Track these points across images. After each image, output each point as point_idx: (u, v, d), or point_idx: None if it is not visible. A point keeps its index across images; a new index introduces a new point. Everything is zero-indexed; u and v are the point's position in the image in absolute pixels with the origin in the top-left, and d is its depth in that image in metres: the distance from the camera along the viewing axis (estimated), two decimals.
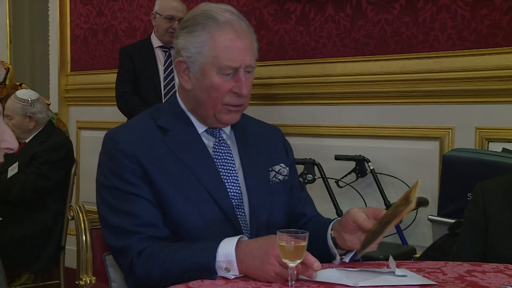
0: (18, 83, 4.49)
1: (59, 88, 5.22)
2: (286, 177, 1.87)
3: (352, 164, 3.60)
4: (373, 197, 3.57)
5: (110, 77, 4.78)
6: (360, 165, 3.57)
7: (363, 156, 3.57)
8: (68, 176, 3.61)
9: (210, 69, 1.69)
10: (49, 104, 3.89)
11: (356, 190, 3.58)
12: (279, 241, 1.41)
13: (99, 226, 1.77)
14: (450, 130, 3.42)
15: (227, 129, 1.83)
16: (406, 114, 3.56)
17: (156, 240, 1.63)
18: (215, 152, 1.76)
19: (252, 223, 1.74)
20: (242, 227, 1.72)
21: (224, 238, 1.57)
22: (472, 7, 3.33)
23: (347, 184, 3.58)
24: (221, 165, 1.75)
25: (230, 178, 1.75)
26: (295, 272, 1.41)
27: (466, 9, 3.35)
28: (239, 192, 1.75)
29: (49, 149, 3.52)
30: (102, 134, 5.35)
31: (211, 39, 1.68)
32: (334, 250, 1.68)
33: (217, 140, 1.79)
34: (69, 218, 1.85)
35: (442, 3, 3.42)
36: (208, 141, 1.78)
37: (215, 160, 1.75)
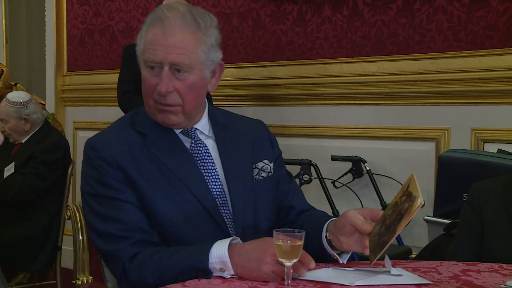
0: (13, 83, 4.48)
1: (56, 88, 5.21)
2: (271, 174, 1.85)
3: (348, 165, 3.60)
4: (370, 198, 3.58)
5: (107, 78, 4.79)
6: (357, 166, 3.57)
7: (360, 157, 3.57)
8: (65, 177, 3.61)
9: (142, 62, 1.73)
10: (44, 104, 3.88)
11: (353, 191, 3.59)
12: (276, 240, 1.42)
13: (89, 234, 1.77)
14: (446, 131, 3.42)
15: (205, 129, 1.81)
16: (403, 115, 3.56)
17: (145, 244, 1.64)
18: (192, 152, 1.76)
19: (236, 222, 1.73)
20: (228, 226, 1.72)
21: (216, 240, 1.57)
22: (468, 8, 3.34)
23: (344, 185, 3.58)
24: (201, 166, 1.75)
25: (212, 177, 1.75)
26: (291, 271, 1.42)
27: (462, 11, 3.36)
28: (222, 191, 1.75)
29: (46, 150, 3.52)
30: None
31: (145, 32, 1.71)
32: (331, 251, 1.68)
33: (193, 141, 1.78)
34: (66, 218, 1.86)
35: (439, 4, 3.42)
36: (185, 142, 1.78)
37: (195, 160, 1.75)
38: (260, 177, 1.83)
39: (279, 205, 1.87)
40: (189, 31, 1.69)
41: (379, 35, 3.62)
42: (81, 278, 1.77)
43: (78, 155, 5.05)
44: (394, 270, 1.58)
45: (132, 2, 4.75)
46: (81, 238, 1.81)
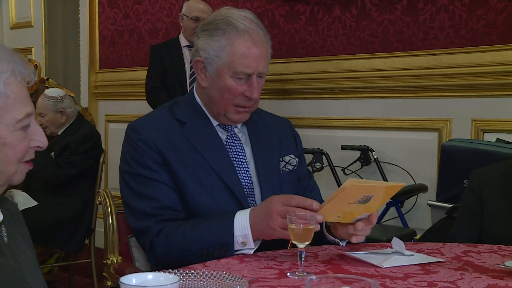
0: (45, 78, 4.51)
1: (89, 84, 5.24)
2: (295, 167, 1.85)
3: (357, 154, 3.58)
4: None
5: (135, 74, 4.80)
6: (365, 154, 3.55)
7: (368, 146, 3.55)
8: (97, 165, 3.63)
9: (226, 72, 1.68)
10: (73, 97, 3.91)
11: (361, 178, 3.56)
12: (289, 224, 1.40)
13: (124, 211, 1.78)
14: (448, 121, 3.39)
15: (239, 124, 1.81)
16: (408, 107, 3.53)
17: (172, 221, 1.63)
18: (227, 145, 1.76)
19: None
20: None
21: (237, 212, 1.58)
22: (469, 7, 3.29)
23: (353, 172, 3.56)
24: (233, 157, 1.75)
25: (242, 169, 1.74)
26: (304, 252, 1.40)
27: (463, 9, 3.31)
28: (250, 182, 1.75)
29: (79, 140, 3.54)
30: None
31: (229, 45, 1.67)
32: (331, 237, 1.66)
33: (229, 134, 1.78)
34: (97, 203, 1.86)
35: (441, 4, 3.38)
36: (221, 134, 1.77)
37: (228, 152, 1.75)
38: (286, 169, 1.83)
39: None
40: (266, 41, 1.72)
41: (386, 33, 3.58)
42: (111, 258, 1.78)
43: (109, 145, 5.08)
44: (406, 251, 1.56)
45: (157, 5, 4.74)
46: (111, 221, 1.81)
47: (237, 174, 1.72)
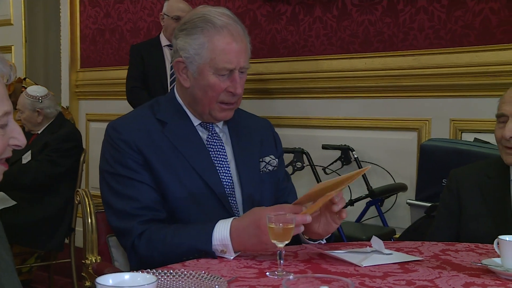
0: (23, 77, 4.47)
1: (70, 83, 5.18)
2: (275, 168, 1.84)
3: (337, 153, 3.58)
4: (357, 183, 3.55)
5: (116, 73, 4.76)
6: (345, 154, 3.56)
7: (348, 146, 3.56)
8: (78, 164, 3.59)
9: (207, 69, 1.67)
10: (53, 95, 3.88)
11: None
12: (269, 224, 1.39)
13: (103, 210, 1.75)
14: (427, 121, 3.41)
15: (220, 123, 1.80)
16: (387, 107, 3.54)
17: (155, 223, 1.62)
18: (208, 144, 1.74)
19: (245, 208, 1.72)
20: (235, 212, 1.71)
21: (218, 220, 1.55)
22: (448, 9, 3.31)
23: (333, 171, 3.56)
24: (214, 157, 1.73)
25: (223, 168, 1.73)
26: (283, 252, 1.39)
27: (442, 11, 3.33)
28: (231, 181, 1.73)
29: (59, 139, 3.49)
30: None
31: (209, 42, 1.65)
32: (304, 239, 1.67)
33: (210, 134, 1.77)
34: (76, 202, 1.83)
35: (420, 5, 3.39)
36: (202, 134, 1.76)
37: (209, 151, 1.73)
38: (266, 170, 1.82)
39: (276, 201, 1.85)
40: (245, 36, 1.71)
41: (366, 34, 3.59)
42: (90, 258, 1.75)
43: (90, 145, 5.03)
44: (385, 250, 1.57)
45: (139, 4, 4.70)
46: (89, 221, 1.78)
47: (218, 174, 1.71)
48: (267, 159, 1.83)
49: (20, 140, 1.25)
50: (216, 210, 1.67)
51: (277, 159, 1.86)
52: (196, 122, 1.76)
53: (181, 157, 1.67)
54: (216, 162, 1.72)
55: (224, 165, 1.74)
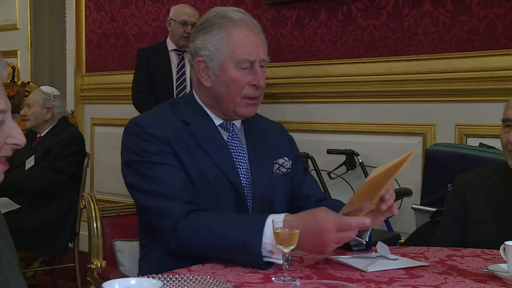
0: (26, 82, 4.49)
1: (75, 87, 5.19)
2: (289, 170, 1.83)
3: (342, 158, 3.58)
4: None
5: (121, 78, 4.77)
6: (350, 159, 3.55)
7: (353, 150, 3.55)
8: (81, 168, 3.59)
9: (229, 63, 1.67)
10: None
11: (346, 182, 3.57)
12: (274, 229, 1.39)
13: (109, 214, 1.76)
14: (432, 126, 3.40)
15: (238, 124, 1.79)
16: (392, 112, 3.54)
17: (195, 205, 1.58)
18: (228, 144, 1.74)
19: (255, 211, 1.71)
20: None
21: (269, 215, 1.50)
22: (453, 14, 3.31)
23: (338, 176, 3.56)
24: (235, 157, 1.73)
25: (242, 169, 1.73)
26: (289, 257, 1.39)
27: (447, 16, 3.33)
28: (249, 182, 1.73)
29: (62, 143, 3.49)
30: (114, 129, 5.37)
31: (228, 35, 1.67)
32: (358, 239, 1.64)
33: (230, 134, 1.76)
34: (82, 207, 1.83)
35: (425, 10, 3.39)
36: (223, 134, 1.75)
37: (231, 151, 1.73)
38: (280, 172, 1.80)
39: (296, 195, 1.84)
40: (261, 31, 1.74)
41: (371, 38, 3.59)
42: (95, 263, 1.75)
43: (95, 149, 5.04)
44: (390, 255, 1.56)
45: (144, 9, 4.72)
46: (95, 225, 1.78)
47: (239, 174, 1.71)
48: (281, 161, 1.82)
49: (19, 139, 1.23)
50: (237, 208, 1.67)
51: (290, 161, 1.84)
52: (217, 122, 1.75)
53: (205, 155, 1.67)
54: (236, 162, 1.72)
55: (244, 166, 1.73)
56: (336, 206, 1.73)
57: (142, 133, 1.64)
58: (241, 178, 1.71)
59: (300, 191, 1.85)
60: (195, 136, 1.68)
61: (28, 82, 4.48)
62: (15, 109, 4.23)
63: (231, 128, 1.77)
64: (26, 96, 4.28)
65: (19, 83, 4.46)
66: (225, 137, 1.75)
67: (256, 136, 1.81)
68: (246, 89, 1.69)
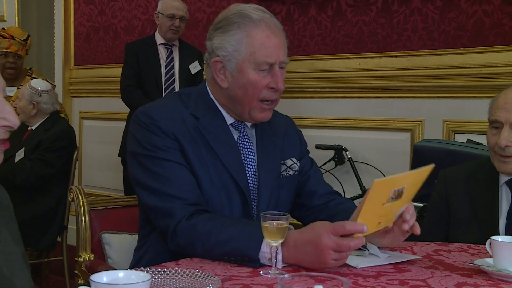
0: (28, 68, 4.46)
1: (64, 81, 5.17)
2: (296, 172, 1.79)
3: (331, 153, 3.59)
4: (350, 183, 3.57)
5: (110, 71, 4.75)
6: (339, 154, 3.56)
7: (342, 146, 3.56)
8: (71, 162, 3.57)
9: (247, 66, 1.61)
10: (54, 85, 3.92)
11: (335, 177, 3.58)
12: (263, 223, 1.39)
13: (97, 207, 1.75)
14: (420, 122, 3.42)
15: (249, 123, 1.74)
16: (381, 108, 3.55)
17: (200, 207, 1.56)
18: (239, 145, 1.70)
19: (260, 212, 1.69)
20: (254, 216, 1.68)
21: None
22: (441, 10, 3.32)
23: (327, 171, 3.57)
24: (244, 158, 1.69)
25: (250, 171, 1.69)
26: (278, 250, 1.39)
27: (436, 12, 3.34)
28: (256, 184, 1.69)
29: (52, 137, 3.47)
30: (102, 123, 5.32)
31: (247, 36, 1.60)
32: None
33: (240, 134, 1.71)
34: (70, 200, 1.83)
35: (414, 6, 3.41)
36: (234, 133, 1.71)
37: (240, 152, 1.69)
38: (287, 174, 1.76)
39: (299, 191, 1.81)
40: (282, 30, 1.67)
41: (360, 34, 3.60)
42: (83, 256, 1.75)
43: (83, 142, 5.02)
44: (382, 254, 1.55)
45: (133, 2, 4.69)
46: (83, 218, 1.78)
47: (247, 175, 1.67)
48: (289, 162, 1.77)
49: (12, 121, 1.17)
50: (242, 210, 1.65)
51: (298, 162, 1.80)
52: (229, 121, 1.71)
53: (213, 154, 1.63)
54: (245, 163, 1.69)
55: (252, 167, 1.70)
56: (347, 209, 1.70)
57: (151, 126, 1.60)
58: (249, 180, 1.67)
59: (304, 187, 1.82)
60: (205, 134, 1.63)
61: (30, 68, 4.46)
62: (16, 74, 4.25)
63: (242, 128, 1.72)
64: (29, 76, 4.29)
65: (29, 49, 4.43)
66: (235, 137, 1.70)
67: (266, 137, 1.76)
68: (264, 92, 1.63)
